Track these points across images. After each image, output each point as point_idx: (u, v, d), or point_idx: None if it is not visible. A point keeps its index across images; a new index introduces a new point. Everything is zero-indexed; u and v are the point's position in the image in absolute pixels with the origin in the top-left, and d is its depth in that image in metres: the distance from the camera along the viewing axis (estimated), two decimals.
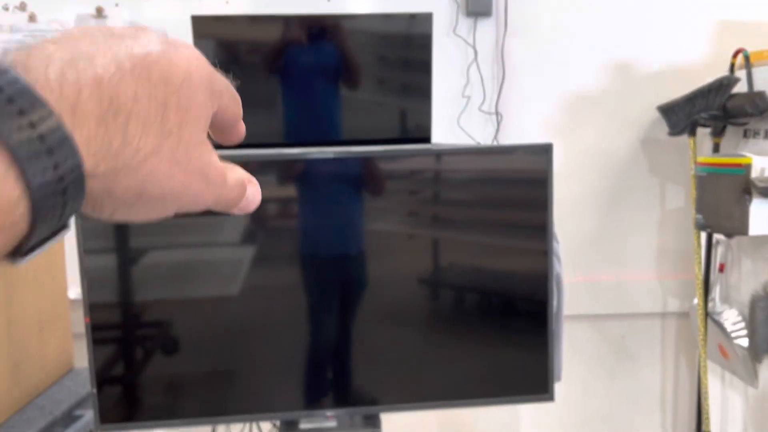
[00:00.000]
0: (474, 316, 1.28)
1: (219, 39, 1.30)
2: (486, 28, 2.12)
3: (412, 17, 1.38)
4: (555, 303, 1.35)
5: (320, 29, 1.27)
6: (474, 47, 2.11)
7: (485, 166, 1.26)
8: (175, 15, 2.05)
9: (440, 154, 1.24)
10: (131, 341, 1.17)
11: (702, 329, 1.89)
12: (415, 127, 1.41)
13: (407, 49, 1.39)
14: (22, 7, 2.00)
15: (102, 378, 1.15)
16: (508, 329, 1.29)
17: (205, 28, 1.30)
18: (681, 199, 2.21)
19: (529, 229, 1.27)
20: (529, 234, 1.26)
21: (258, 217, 1.15)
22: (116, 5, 2.03)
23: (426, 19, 1.34)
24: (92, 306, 1.12)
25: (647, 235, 2.23)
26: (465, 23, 2.11)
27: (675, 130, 1.94)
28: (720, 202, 1.66)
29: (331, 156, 1.12)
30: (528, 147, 1.26)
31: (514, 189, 1.28)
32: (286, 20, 1.30)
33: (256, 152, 1.22)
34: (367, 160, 1.16)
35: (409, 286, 1.21)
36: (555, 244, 1.33)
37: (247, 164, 1.18)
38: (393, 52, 1.39)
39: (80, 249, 1.10)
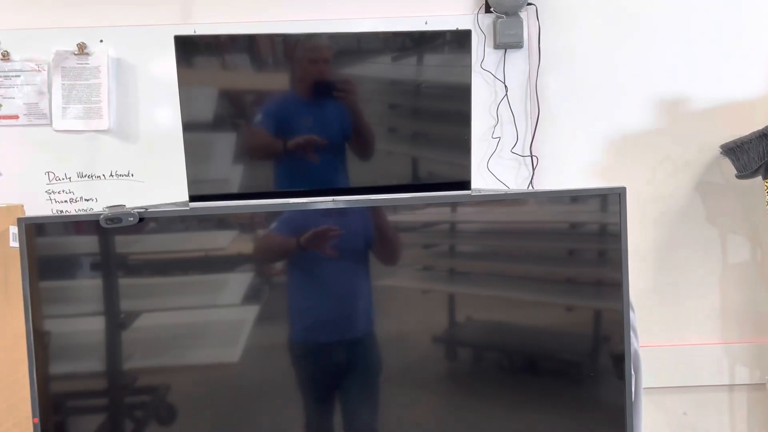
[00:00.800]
0: (537, 390, 1.05)
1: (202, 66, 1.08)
2: (517, 61, 1.88)
3: (441, 36, 1.14)
4: (633, 388, 1.05)
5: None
6: (504, 83, 1.87)
7: (538, 215, 1.02)
8: (163, 50, 1.83)
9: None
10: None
11: None
12: (453, 173, 1.18)
13: (440, 79, 1.16)
14: None
15: None
16: (569, 408, 1.05)
17: (187, 54, 1.07)
18: (746, 251, 1.93)
19: (600, 289, 1.01)
20: (599, 296, 1.01)
21: (257, 287, 0.99)
22: (101, 41, 1.81)
23: (464, 36, 1.10)
24: (62, 377, 0.95)
25: (708, 294, 1.95)
26: (493, 56, 1.88)
27: (745, 172, 1.67)
28: None
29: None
30: (595, 191, 1.01)
31: (579, 242, 1.02)
32: (285, 38, 1.07)
33: (268, 202, 1.03)
34: (381, 211, 0.93)
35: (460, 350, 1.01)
36: (631, 314, 1.04)
37: (256, 216, 0.94)
38: (410, 97, 1.17)
39: (27, 314, 0.93)
